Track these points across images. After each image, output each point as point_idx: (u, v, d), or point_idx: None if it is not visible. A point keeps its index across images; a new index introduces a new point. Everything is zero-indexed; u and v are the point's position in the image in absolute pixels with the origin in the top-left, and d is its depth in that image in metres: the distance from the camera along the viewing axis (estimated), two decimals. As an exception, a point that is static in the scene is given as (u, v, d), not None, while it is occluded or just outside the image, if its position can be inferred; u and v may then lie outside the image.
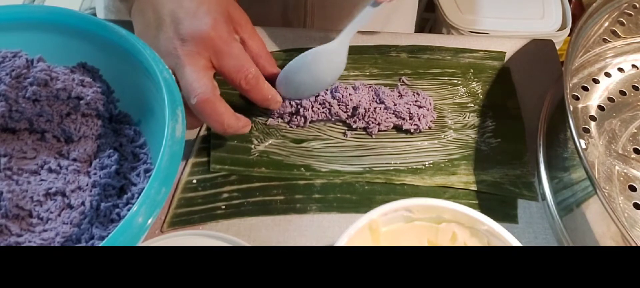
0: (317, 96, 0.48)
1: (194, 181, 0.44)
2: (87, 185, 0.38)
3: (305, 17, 0.62)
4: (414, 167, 0.46)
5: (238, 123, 0.42)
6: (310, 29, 0.63)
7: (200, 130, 0.47)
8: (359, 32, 0.56)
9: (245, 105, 0.48)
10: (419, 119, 0.47)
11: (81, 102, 0.39)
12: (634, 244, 0.36)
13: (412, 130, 0.48)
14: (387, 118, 0.47)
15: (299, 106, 0.47)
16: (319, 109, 0.47)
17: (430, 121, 0.48)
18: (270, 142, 0.46)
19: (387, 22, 0.68)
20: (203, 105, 0.39)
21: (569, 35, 1.02)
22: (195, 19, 0.40)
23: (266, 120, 0.47)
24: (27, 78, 0.38)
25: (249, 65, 0.42)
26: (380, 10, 0.60)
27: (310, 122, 0.47)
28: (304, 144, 0.46)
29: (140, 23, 0.43)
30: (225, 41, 0.41)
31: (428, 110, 0.48)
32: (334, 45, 0.45)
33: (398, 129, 0.48)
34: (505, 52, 0.55)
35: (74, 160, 0.39)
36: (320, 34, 0.55)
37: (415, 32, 0.88)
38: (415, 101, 0.49)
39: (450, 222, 0.36)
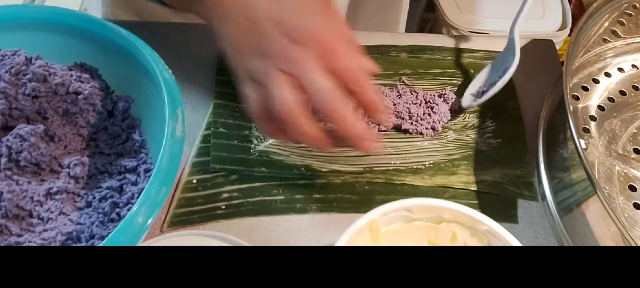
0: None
1: (194, 181, 0.44)
2: (87, 184, 0.38)
3: None
4: (414, 167, 0.46)
5: (366, 129, 0.37)
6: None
7: (201, 130, 0.47)
8: (358, 32, 0.56)
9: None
10: (434, 121, 0.48)
11: (79, 96, 0.39)
12: (634, 244, 0.36)
13: (431, 130, 0.48)
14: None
15: (299, 106, 0.47)
16: (319, 109, 0.47)
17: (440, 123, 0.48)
18: (270, 141, 0.46)
19: (377, 26, 0.68)
20: (339, 114, 0.36)
21: (569, 35, 1.02)
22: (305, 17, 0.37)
23: (266, 120, 0.47)
24: (26, 74, 0.38)
25: (355, 68, 0.37)
26: (375, 12, 0.60)
27: (310, 122, 0.47)
28: (304, 144, 0.46)
29: (233, 30, 0.38)
30: (335, 42, 0.37)
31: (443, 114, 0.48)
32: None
33: (398, 128, 0.48)
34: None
35: (74, 159, 0.39)
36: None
37: (415, 32, 0.88)
38: (414, 102, 0.49)
39: (450, 222, 0.36)
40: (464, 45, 0.56)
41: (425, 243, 0.36)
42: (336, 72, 0.36)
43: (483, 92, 0.49)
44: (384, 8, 0.67)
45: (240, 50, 0.38)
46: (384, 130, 0.48)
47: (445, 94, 0.50)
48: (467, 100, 0.50)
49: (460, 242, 0.36)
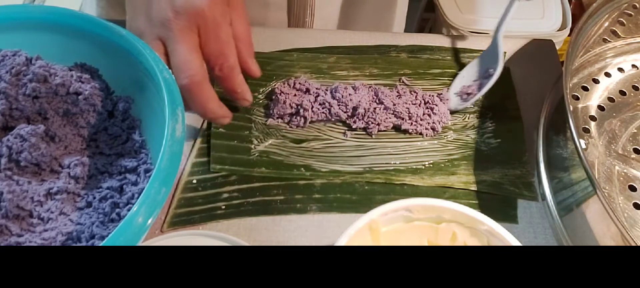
0: (317, 96, 0.48)
1: (194, 181, 0.44)
2: (87, 185, 0.38)
3: (305, 16, 0.62)
4: (414, 167, 0.46)
5: (219, 110, 0.42)
6: (310, 28, 0.63)
7: (200, 129, 0.47)
8: (357, 32, 0.56)
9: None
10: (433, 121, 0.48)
11: (79, 97, 0.39)
12: (634, 244, 0.36)
13: (426, 131, 0.48)
14: (386, 118, 0.47)
15: (298, 106, 0.47)
16: (319, 109, 0.47)
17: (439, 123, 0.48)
18: (270, 142, 0.46)
19: (377, 26, 0.68)
20: (194, 87, 0.39)
21: (569, 35, 1.02)
22: None
23: (266, 121, 0.47)
24: (26, 75, 0.38)
25: (230, 54, 0.41)
26: (371, 13, 0.59)
27: (310, 122, 0.47)
28: (304, 144, 0.46)
29: None
30: (217, 23, 0.40)
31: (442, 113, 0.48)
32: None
33: (397, 128, 0.48)
34: (505, 52, 0.55)
35: (74, 160, 0.39)
36: (321, 33, 0.55)
37: (415, 32, 0.87)
38: (413, 102, 0.49)
39: (450, 222, 0.36)
40: (464, 45, 0.56)
41: (425, 243, 0.36)
42: (207, 51, 0.40)
43: (467, 94, 0.49)
44: (381, 8, 0.67)
45: (132, 6, 0.41)
46: (384, 130, 0.48)
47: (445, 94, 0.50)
48: (453, 101, 0.50)
49: (460, 242, 0.36)
